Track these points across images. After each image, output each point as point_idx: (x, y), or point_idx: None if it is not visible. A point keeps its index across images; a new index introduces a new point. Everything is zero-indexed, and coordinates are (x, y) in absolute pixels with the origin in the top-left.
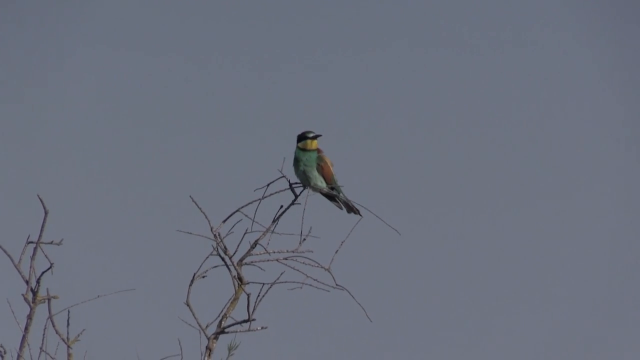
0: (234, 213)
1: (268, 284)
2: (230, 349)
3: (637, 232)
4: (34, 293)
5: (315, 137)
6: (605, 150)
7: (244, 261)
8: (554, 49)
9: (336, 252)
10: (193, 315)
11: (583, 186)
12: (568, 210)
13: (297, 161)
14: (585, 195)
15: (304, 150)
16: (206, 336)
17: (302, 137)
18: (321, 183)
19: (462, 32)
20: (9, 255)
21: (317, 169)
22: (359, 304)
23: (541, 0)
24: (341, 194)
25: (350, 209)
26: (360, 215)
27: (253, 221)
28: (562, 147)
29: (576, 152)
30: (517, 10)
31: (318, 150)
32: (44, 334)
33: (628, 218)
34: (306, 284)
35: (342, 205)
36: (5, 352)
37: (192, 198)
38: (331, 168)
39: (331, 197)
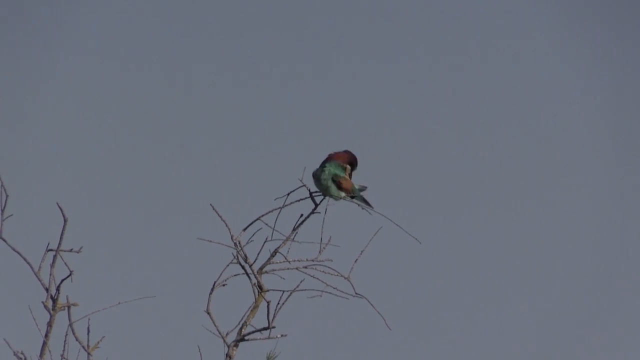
0: (254, 221)
1: (288, 291)
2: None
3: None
4: (54, 300)
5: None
6: (594, 152)
7: (264, 269)
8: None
9: (356, 261)
10: (213, 323)
11: (570, 187)
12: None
13: (320, 175)
14: (571, 197)
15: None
16: (226, 344)
17: (353, 163)
18: (342, 194)
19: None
20: (28, 263)
21: (336, 185)
22: (379, 312)
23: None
24: (361, 204)
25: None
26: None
27: (273, 230)
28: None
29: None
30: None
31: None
32: (64, 341)
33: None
34: (326, 292)
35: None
36: (25, 359)
37: (212, 206)
38: (350, 180)
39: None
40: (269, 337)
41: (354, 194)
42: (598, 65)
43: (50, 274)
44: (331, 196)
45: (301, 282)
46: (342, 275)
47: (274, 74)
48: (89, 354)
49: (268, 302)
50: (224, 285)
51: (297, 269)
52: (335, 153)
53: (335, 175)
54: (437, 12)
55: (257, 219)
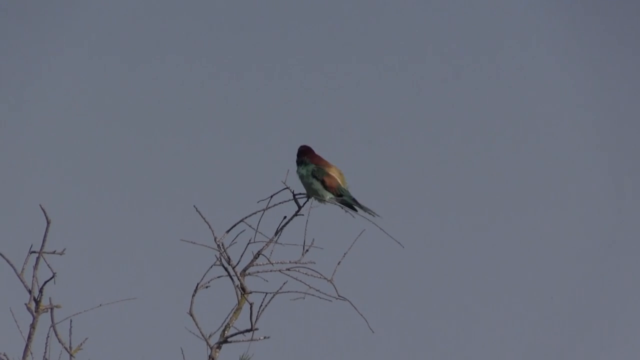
0: (237, 223)
1: (271, 293)
2: None
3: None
4: (37, 302)
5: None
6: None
7: (247, 271)
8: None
9: (338, 264)
10: (196, 325)
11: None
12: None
13: (299, 175)
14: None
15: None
16: (209, 346)
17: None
18: (328, 195)
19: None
20: (11, 265)
21: (318, 181)
22: (361, 314)
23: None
24: (344, 207)
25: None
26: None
27: (256, 232)
28: (548, 156)
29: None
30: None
31: (317, 161)
32: (46, 343)
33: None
34: (309, 295)
35: (356, 209)
36: None
37: (196, 208)
38: (337, 178)
39: (344, 203)
40: (251, 339)
41: (342, 193)
42: (598, 73)
43: (33, 276)
44: (317, 196)
45: (284, 284)
46: (325, 278)
47: (261, 75)
48: (71, 355)
49: (251, 304)
50: (207, 287)
51: (280, 271)
52: (310, 153)
53: (316, 171)
54: (441, 18)
55: (241, 221)
